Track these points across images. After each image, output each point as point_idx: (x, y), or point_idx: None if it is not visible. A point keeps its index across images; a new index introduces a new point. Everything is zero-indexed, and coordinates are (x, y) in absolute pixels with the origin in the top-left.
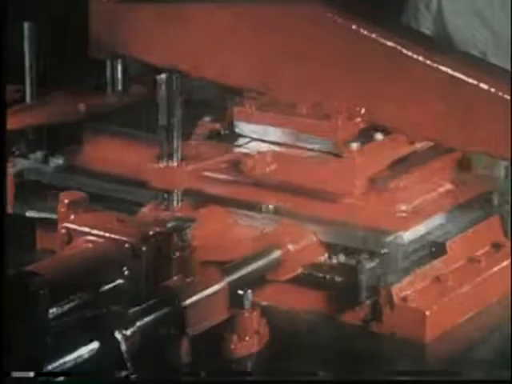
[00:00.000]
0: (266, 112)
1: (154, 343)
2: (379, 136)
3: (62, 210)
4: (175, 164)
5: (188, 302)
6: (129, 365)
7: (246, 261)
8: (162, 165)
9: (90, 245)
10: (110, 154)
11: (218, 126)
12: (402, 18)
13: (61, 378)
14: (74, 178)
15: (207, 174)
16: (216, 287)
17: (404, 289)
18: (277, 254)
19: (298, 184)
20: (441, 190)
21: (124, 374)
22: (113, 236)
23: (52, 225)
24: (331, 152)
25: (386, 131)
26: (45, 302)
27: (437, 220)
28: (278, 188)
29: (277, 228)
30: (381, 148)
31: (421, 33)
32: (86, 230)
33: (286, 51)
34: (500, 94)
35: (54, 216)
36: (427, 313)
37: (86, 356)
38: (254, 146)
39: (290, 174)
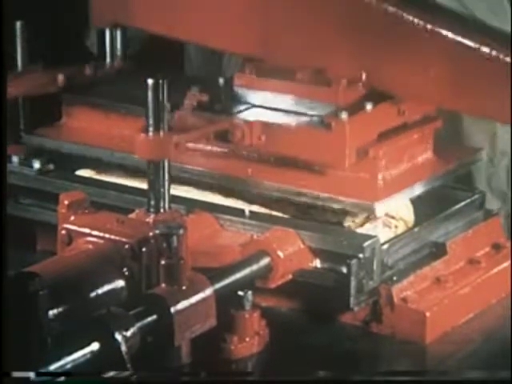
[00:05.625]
0: (267, 78)
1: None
2: (369, 106)
3: (63, 210)
4: (162, 134)
5: (174, 309)
6: (129, 365)
7: (235, 267)
8: (149, 135)
9: (90, 246)
10: (91, 125)
11: (205, 96)
12: None
13: (61, 378)
14: (56, 182)
15: (195, 146)
16: (203, 295)
17: (404, 289)
18: (266, 260)
19: (287, 155)
20: (421, 159)
21: (124, 374)
22: (113, 237)
23: (52, 226)
24: (323, 121)
25: (378, 100)
26: (45, 302)
27: (416, 189)
28: (266, 160)
29: (266, 234)
30: (371, 118)
31: None
32: (86, 231)
33: (287, 16)
34: (501, 57)
35: None
36: (427, 313)
37: (86, 357)
38: (250, 114)
39: (280, 145)
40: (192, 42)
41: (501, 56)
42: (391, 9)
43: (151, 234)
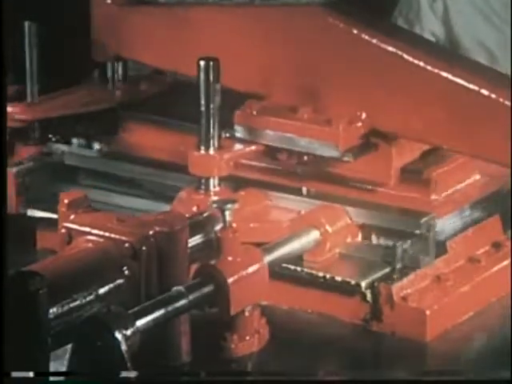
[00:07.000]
0: (267, 116)
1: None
2: None
3: (62, 209)
4: (213, 152)
5: (230, 280)
6: (129, 365)
7: (286, 241)
8: (201, 152)
9: (90, 245)
10: (146, 142)
11: None
12: (395, 15)
13: (61, 378)
14: (115, 163)
15: (245, 161)
16: (257, 266)
17: (404, 288)
18: (315, 234)
19: (334, 172)
20: (470, 180)
21: (124, 374)
22: (113, 236)
23: (52, 224)
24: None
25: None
26: (45, 301)
27: (466, 210)
28: (313, 176)
29: (314, 210)
30: None
31: (422, 37)
32: (86, 229)
33: (287, 56)
34: (500, 100)
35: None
36: (427, 312)
37: (86, 356)
38: None
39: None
40: (192, 76)
41: (500, 99)
42: (391, 49)
43: (151, 232)
